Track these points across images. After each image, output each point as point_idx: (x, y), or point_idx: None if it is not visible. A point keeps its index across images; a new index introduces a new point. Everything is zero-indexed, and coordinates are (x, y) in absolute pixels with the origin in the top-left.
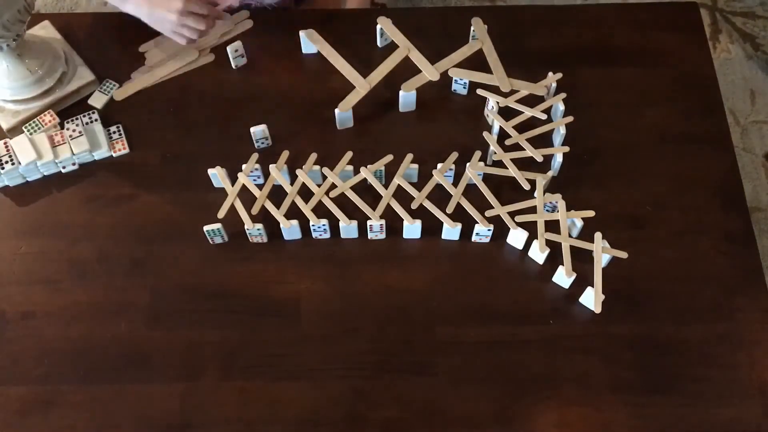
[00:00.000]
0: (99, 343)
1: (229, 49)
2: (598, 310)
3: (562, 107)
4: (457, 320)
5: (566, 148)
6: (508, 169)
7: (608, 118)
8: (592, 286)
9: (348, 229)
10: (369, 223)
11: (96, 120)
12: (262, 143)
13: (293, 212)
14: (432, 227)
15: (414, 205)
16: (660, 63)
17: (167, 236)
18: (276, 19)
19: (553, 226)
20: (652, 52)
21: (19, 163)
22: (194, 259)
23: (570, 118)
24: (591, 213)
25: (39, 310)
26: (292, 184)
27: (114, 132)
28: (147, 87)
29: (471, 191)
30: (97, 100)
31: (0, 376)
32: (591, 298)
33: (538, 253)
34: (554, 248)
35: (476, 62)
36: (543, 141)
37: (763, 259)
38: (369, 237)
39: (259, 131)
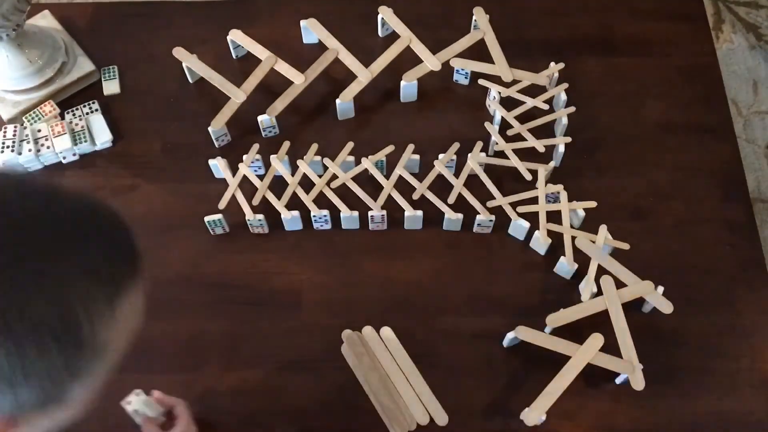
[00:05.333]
0: None
1: (229, 39)
2: (586, 299)
3: (564, 97)
4: (458, 311)
5: (568, 139)
6: (509, 159)
7: (610, 109)
8: (595, 279)
9: (349, 219)
10: (370, 213)
11: (96, 110)
12: (270, 132)
13: (294, 203)
14: (433, 218)
15: (415, 196)
16: (662, 53)
17: (168, 227)
18: (276, 8)
19: (554, 216)
20: (654, 42)
21: (19, 153)
22: (195, 250)
23: (572, 109)
24: (593, 204)
25: None
26: (293, 174)
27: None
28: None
29: (472, 182)
30: (110, 87)
31: None
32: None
33: (539, 244)
34: (556, 239)
35: (478, 52)
36: (545, 131)
37: (765, 249)
38: (370, 227)
39: (266, 119)
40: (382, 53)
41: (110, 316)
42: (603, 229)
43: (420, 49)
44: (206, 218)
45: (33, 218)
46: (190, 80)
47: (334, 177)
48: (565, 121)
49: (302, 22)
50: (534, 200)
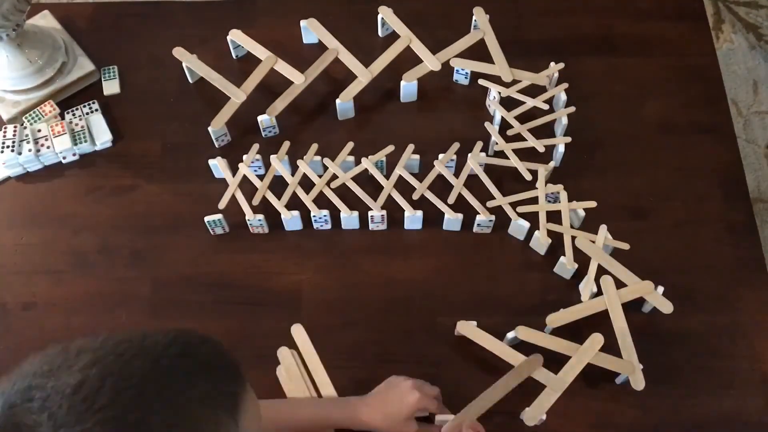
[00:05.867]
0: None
1: (229, 39)
2: (586, 299)
3: (564, 97)
4: (458, 311)
5: (568, 139)
6: (509, 159)
7: (610, 108)
8: (595, 278)
9: (349, 219)
10: (370, 213)
11: (96, 110)
12: (270, 131)
13: (294, 203)
14: (433, 218)
15: (415, 196)
16: (662, 53)
17: (168, 227)
18: (276, 8)
19: (554, 216)
20: (654, 42)
21: (19, 153)
22: (195, 250)
23: (572, 109)
24: (593, 203)
25: (40, 301)
26: (293, 174)
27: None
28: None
29: (472, 182)
30: (110, 87)
31: (1, 367)
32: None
33: (539, 244)
34: (556, 239)
35: (478, 52)
36: (545, 131)
37: (765, 249)
38: (370, 227)
39: (266, 119)
40: (382, 53)
41: (236, 428)
42: (603, 229)
43: (420, 49)
44: (206, 218)
45: (145, 378)
46: (190, 80)
47: (334, 177)
48: (565, 121)
49: (302, 22)
50: (534, 200)
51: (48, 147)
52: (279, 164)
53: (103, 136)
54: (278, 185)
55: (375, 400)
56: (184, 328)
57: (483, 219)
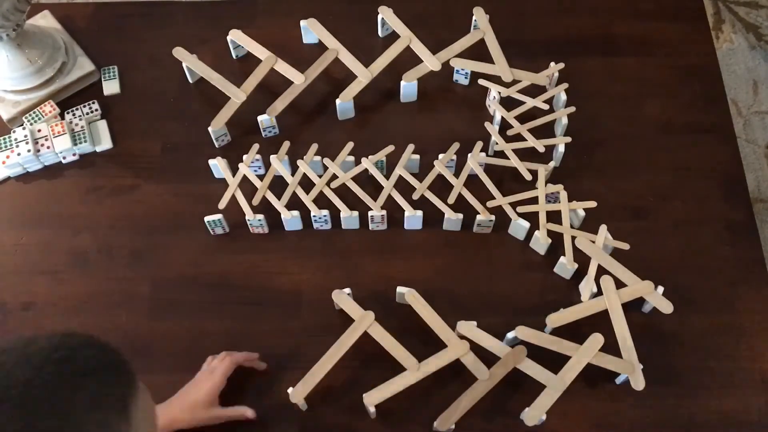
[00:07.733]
0: (100, 334)
1: (229, 39)
2: (586, 299)
3: (564, 97)
4: (458, 311)
5: (568, 139)
6: (509, 159)
7: (610, 109)
8: (595, 278)
9: (349, 219)
10: (370, 213)
11: (96, 110)
12: (270, 131)
13: (294, 203)
14: (433, 218)
15: (415, 196)
16: (662, 53)
17: (168, 227)
18: (276, 8)
19: (554, 216)
20: (654, 42)
21: (19, 153)
22: (195, 250)
23: (572, 109)
24: (593, 204)
25: (40, 301)
26: (293, 174)
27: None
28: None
29: (472, 182)
30: (110, 87)
31: None
32: (583, 288)
33: (539, 244)
34: (556, 239)
35: (478, 52)
36: (545, 131)
37: (765, 249)
38: (370, 227)
39: (266, 119)
40: (382, 53)
41: (128, 427)
42: (603, 229)
43: (420, 49)
44: (206, 218)
45: (28, 386)
46: (190, 80)
47: (334, 177)
48: (565, 121)
49: (302, 22)
50: (534, 200)
51: (48, 147)
52: (279, 164)
53: (103, 137)
54: (278, 185)
55: (176, 398)
56: (70, 331)
57: (483, 219)
